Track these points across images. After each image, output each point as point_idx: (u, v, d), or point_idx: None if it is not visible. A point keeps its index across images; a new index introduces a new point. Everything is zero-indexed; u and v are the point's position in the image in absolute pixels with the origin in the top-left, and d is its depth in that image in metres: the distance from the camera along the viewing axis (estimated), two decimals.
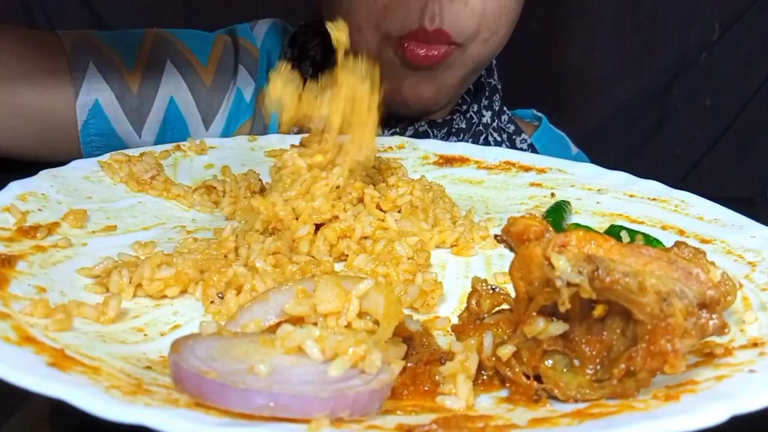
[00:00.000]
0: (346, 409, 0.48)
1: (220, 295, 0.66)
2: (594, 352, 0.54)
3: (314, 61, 1.30)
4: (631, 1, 1.98)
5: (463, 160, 1.03)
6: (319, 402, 0.48)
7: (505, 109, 1.42)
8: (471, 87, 1.37)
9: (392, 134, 1.24)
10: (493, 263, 0.80)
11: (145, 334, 0.62)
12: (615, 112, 2.01)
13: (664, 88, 2.01)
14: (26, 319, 0.57)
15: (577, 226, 0.86)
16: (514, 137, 1.39)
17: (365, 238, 0.77)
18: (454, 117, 1.30)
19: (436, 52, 1.13)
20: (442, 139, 1.25)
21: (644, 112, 2.03)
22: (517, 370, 0.54)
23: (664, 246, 0.73)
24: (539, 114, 1.50)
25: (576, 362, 0.54)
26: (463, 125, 1.31)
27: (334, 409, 0.48)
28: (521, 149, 1.33)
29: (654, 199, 0.91)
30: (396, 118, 1.27)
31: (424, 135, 1.25)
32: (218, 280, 0.67)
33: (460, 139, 1.28)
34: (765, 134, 2.05)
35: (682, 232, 0.84)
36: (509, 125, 1.40)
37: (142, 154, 0.92)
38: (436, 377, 0.55)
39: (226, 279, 0.67)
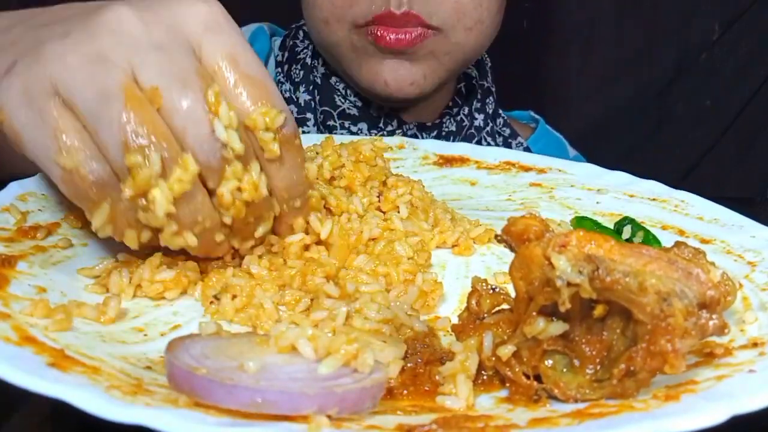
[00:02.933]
0: (334, 407, 0.48)
1: (217, 297, 0.66)
2: (594, 352, 0.54)
3: (304, 63, 1.29)
4: (631, 1, 1.97)
5: (462, 160, 1.03)
6: (307, 398, 0.48)
7: (500, 111, 1.41)
8: (462, 89, 1.37)
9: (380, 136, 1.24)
10: (493, 263, 0.80)
11: (145, 334, 0.62)
12: (615, 112, 2.01)
13: (664, 88, 2.01)
14: (26, 319, 0.57)
15: (583, 220, 0.86)
16: (509, 141, 1.38)
17: (373, 239, 0.76)
18: (444, 120, 1.30)
19: (407, 35, 1.12)
20: None
21: (644, 112, 2.03)
22: (517, 370, 0.54)
23: (663, 246, 0.73)
24: (536, 116, 1.49)
25: (576, 362, 0.54)
26: (453, 128, 1.30)
27: (322, 406, 0.48)
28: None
29: (654, 199, 0.91)
30: (384, 121, 1.26)
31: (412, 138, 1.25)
32: (217, 282, 0.67)
33: (450, 142, 1.27)
34: (765, 134, 2.05)
35: (682, 232, 0.84)
36: (504, 128, 1.39)
37: None
38: (436, 377, 0.55)
39: (225, 280, 0.67)
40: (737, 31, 1.98)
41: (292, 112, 1.27)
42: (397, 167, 0.98)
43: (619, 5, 1.96)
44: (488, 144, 1.33)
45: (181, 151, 0.59)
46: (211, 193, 0.62)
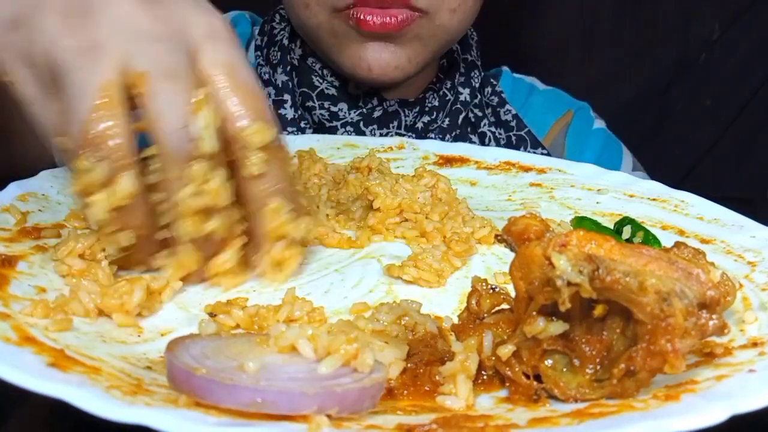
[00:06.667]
0: (334, 406, 0.48)
1: (212, 315, 0.66)
2: (594, 352, 0.54)
3: (282, 45, 1.28)
4: (631, 1, 1.97)
5: (462, 161, 1.03)
6: (306, 398, 0.48)
7: (492, 81, 1.39)
8: (444, 64, 1.35)
9: (359, 114, 1.22)
10: (493, 263, 0.80)
11: (145, 335, 0.62)
12: (615, 112, 2.01)
13: (664, 88, 2.01)
14: (26, 319, 0.57)
15: (583, 220, 0.86)
16: (498, 110, 1.36)
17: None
18: (427, 95, 1.28)
19: (392, 19, 1.09)
20: (414, 118, 1.24)
21: (644, 112, 2.02)
22: (516, 369, 0.54)
23: (663, 246, 0.73)
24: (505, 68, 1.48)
25: (576, 362, 0.54)
26: (436, 103, 1.27)
27: (322, 405, 0.48)
28: (506, 120, 1.32)
29: (654, 199, 0.91)
30: (364, 100, 1.25)
31: (394, 115, 1.23)
32: None
33: (433, 117, 1.26)
34: (765, 134, 2.04)
35: (682, 232, 0.84)
36: (492, 97, 1.36)
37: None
38: (436, 377, 0.55)
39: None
40: (737, 31, 1.97)
41: (269, 95, 1.25)
42: (397, 167, 0.98)
43: (619, 5, 1.96)
44: (475, 115, 1.31)
45: (129, 165, 0.60)
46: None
